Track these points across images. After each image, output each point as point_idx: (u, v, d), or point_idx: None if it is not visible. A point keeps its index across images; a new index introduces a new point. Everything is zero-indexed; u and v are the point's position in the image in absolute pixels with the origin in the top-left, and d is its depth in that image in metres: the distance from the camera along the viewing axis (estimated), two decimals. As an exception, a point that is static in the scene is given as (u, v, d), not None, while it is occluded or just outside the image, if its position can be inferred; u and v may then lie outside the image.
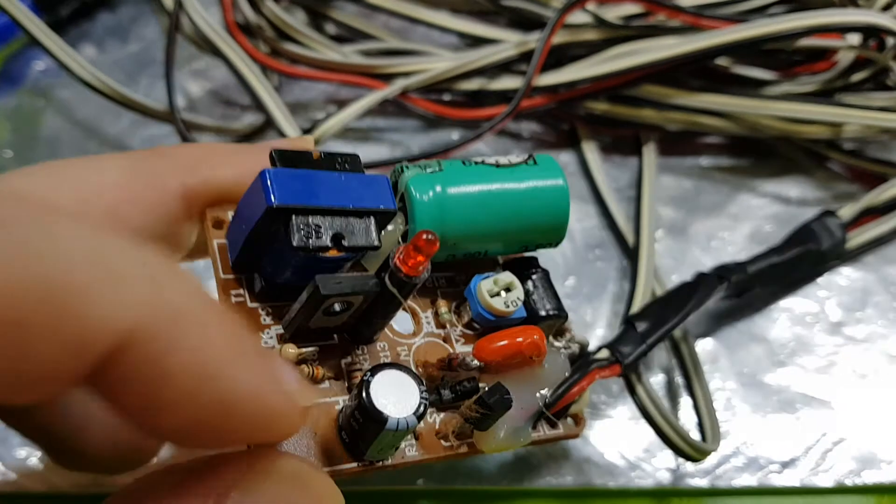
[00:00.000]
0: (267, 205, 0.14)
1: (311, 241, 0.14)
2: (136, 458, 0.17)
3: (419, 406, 0.15)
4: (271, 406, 0.12)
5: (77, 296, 0.10)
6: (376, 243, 0.15)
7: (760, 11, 0.30)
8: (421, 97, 0.29)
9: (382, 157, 0.29)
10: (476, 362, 0.17)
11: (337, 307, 0.15)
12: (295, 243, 0.14)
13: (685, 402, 0.24)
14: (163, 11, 0.29)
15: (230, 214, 0.16)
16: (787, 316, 0.26)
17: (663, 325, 0.22)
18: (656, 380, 0.24)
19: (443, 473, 0.22)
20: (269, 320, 0.16)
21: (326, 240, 0.14)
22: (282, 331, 0.16)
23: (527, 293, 0.19)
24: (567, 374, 0.19)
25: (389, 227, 0.17)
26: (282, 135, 0.27)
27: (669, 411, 0.22)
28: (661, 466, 0.23)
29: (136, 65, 0.31)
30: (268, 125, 0.29)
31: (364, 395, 0.15)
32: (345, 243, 0.15)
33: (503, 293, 0.18)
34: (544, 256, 0.27)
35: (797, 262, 0.26)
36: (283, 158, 0.15)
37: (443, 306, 0.18)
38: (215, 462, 0.13)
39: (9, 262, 0.10)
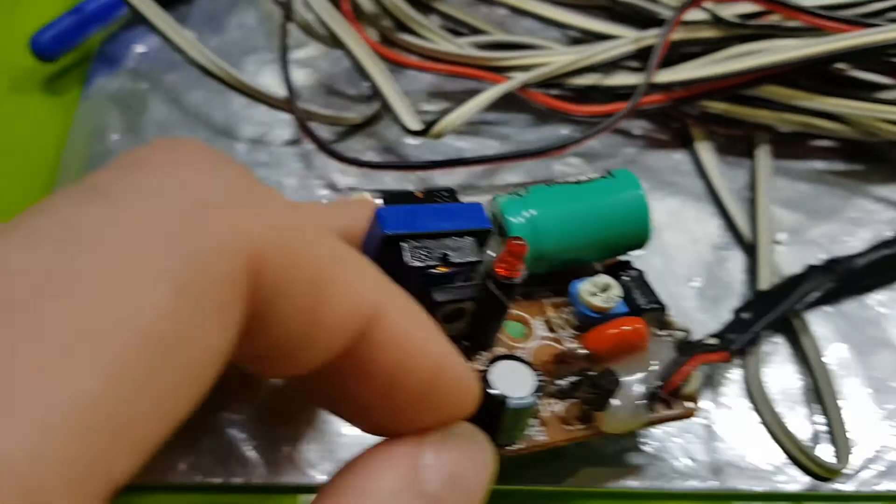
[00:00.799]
0: (382, 234, 0.17)
1: (421, 261, 0.17)
2: None
3: (535, 387, 0.17)
4: (462, 376, 0.13)
5: (345, 276, 0.11)
6: (478, 258, 0.17)
7: (880, 15, 0.29)
8: (538, 91, 0.28)
9: (493, 152, 0.28)
10: (584, 350, 0.19)
11: (453, 312, 0.17)
12: (408, 263, 0.17)
13: (815, 412, 0.24)
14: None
15: None
16: (915, 322, 0.26)
17: (769, 312, 0.23)
18: (783, 390, 0.24)
19: (582, 475, 0.22)
20: None
21: (435, 258, 0.17)
22: None
23: (626, 291, 0.20)
24: (675, 358, 0.20)
25: (490, 253, 0.19)
26: (400, 125, 0.26)
27: (793, 431, 0.22)
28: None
29: (238, 52, 0.30)
30: (378, 116, 0.29)
31: (484, 383, 0.16)
32: (451, 260, 0.17)
33: (602, 293, 0.20)
34: (667, 257, 0.26)
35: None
36: (392, 198, 0.18)
37: (550, 311, 0.20)
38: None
39: (315, 241, 0.11)
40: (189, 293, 0.09)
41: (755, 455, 0.23)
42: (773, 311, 0.24)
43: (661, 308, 0.20)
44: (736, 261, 0.27)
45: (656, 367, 0.19)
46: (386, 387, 0.12)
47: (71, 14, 0.30)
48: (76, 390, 0.07)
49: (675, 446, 0.22)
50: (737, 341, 0.22)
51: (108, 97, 0.29)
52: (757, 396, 0.23)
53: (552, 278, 0.20)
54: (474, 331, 0.18)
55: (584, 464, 0.22)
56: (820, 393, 0.24)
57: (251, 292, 0.10)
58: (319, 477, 0.21)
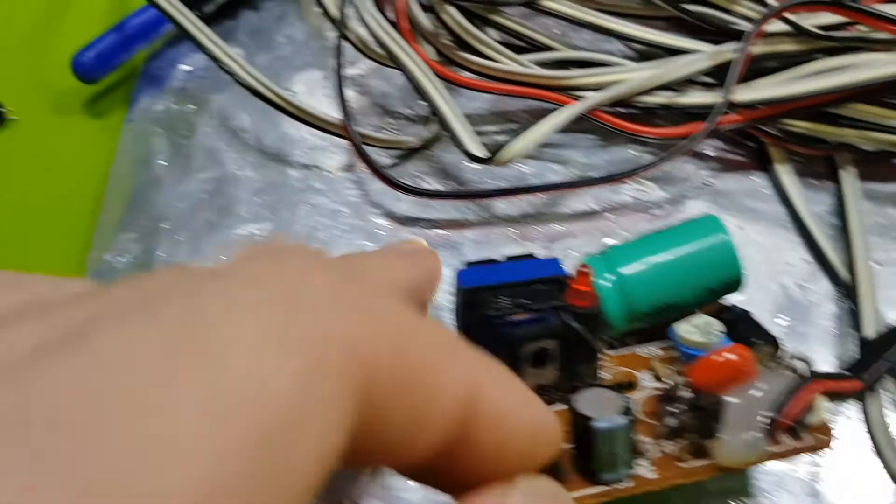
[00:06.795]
0: (461, 287, 0.18)
1: (499, 310, 0.17)
2: None
3: (624, 409, 0.16)
4: (551, 429, 0.12)
5: (446, 363, 0.11)
6: (557, 303, 0.17)
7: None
8: (605, 112, 0.27)
9: (557, 176, 0.27)
10: (688, 392, 0.18)
11: (539, 354, 0.17)
12: (485, 312, 0.17)
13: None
14: (325, 15, 0.27)
15: None
16: None
17: None
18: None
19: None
20: None
21: (514, 306, 0.17)
22: None
23: (731, 329, 0.19)
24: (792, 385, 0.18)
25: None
26: (462, 150, 0.25)
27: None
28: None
29: (287, 70, 0.29)
30: (436, 138, 0.27)
31: (572, 410, 0.17)
32: (529, 306, 0.17)
33: (701, 330, 0.19)
34: (748, 291, 0.25)
35: None
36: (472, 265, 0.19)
37: (657, 363, 0.19)
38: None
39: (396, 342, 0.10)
40: (309, 384, 0.09)
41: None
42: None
43: (773, 342, 0.19)
44: (824, 293, 0.25)
45: (770, 396, 0.18)
46: (488, 460, 0.11)
47: (113, 32, 0.29)
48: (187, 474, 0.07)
49: (770, 504, 0.21)
50: (870, 371, 0.21)
51: (154, 119, 0.27)
52: (879, 437, 0.22)
53: (657, 334, 0.20)
54: (567, 376, 0.18)
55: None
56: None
57: (363, 399, 0.09)
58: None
